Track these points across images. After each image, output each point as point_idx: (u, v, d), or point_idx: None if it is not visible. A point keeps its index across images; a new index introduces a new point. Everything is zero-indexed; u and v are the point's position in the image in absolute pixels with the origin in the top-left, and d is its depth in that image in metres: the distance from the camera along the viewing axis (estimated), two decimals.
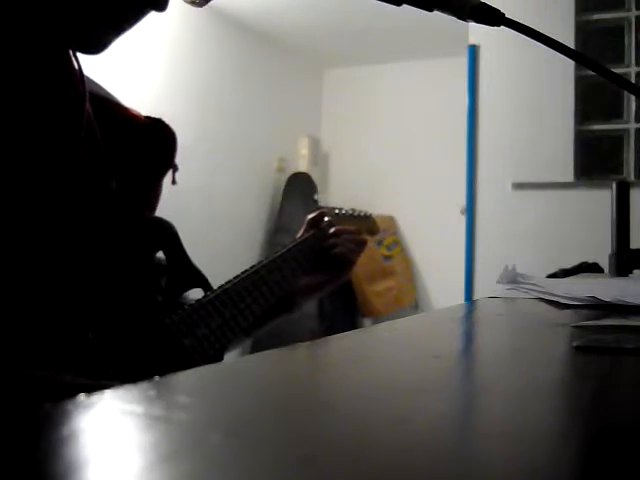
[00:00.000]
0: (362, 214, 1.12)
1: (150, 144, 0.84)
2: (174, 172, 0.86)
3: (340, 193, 5.04)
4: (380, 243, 4.58)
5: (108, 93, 0.84)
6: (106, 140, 0.77)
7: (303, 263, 0.96)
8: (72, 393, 0.60)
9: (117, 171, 0.77)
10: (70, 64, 0.74)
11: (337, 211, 1.08)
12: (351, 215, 1.11)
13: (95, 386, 0.60)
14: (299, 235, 1.01)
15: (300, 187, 4.67)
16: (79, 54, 0.74)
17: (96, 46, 0.72)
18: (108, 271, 0.71)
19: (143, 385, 0.29)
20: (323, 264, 1.00)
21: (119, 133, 0.80)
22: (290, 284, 0.93)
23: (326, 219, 1.04)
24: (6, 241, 0.63)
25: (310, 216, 1.04)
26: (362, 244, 1.05)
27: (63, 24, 0.70)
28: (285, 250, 0.94)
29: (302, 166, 4.81)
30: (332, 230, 1.02)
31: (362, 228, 1.08)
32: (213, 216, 4.02)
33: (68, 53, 0.73)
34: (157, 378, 0.31)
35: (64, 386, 0.59)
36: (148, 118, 0.86)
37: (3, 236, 0.62)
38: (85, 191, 0.70)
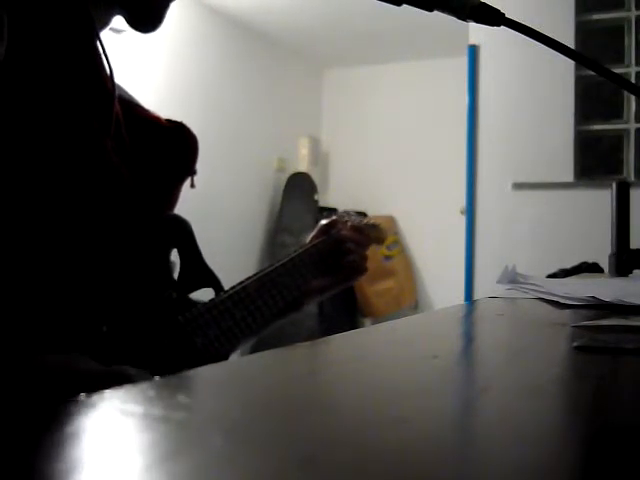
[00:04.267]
0: (370, 223, 1.12)
1: (171, 147, 0.85)
2: (193, 176, 0.87)
3: (340, 193, 5.04)
4: None
5: (129, 94, 0.85)
6: (131, 141, 0.78)
7: (313, 268, 0.96)
8: (84, 380, 0.60)
9: (140, 172, 0.77)
10: (100, 63, 0.75)
11: (346, 219, 1.08)
12: (361, 224, 1.11)
13: (107, 373, 0.61)
14: (309, 239, 1.01)
15: (300, 187, 4.67)
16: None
17: (155, 20, 0.77)
18: (124, 266, 0.72)
19: (143, 385, 0.29)
20: (333, 269, 1.00)
21: (142, 135, 0.81)
22: (300, 288, 0.93)
23: (338, 226, 1.04)
24: (24, 234, 0.63)
25: (323, 222, 1.04)
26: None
27: (91, 19, 0.71)
28: (296, 254, 0.94)
29: (302, 166, 4.81)
30: (343, 235, 1.03)
31: (371, 237, 1.08)
32: (213, 216, 4.02)
33: (98, 51, 0.74)
34: (157, 378, 0.31)
35: (77, 372, 0.60)
36: (169, 121, 0.86)
37: (21, 229, 0.63)
38: (111, 188, 0.71)
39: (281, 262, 0.91)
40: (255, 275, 0.87)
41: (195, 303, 0.79)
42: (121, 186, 0.72)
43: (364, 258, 1.02)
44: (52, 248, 0.65)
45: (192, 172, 0.87)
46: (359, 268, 1.02)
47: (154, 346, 0.71)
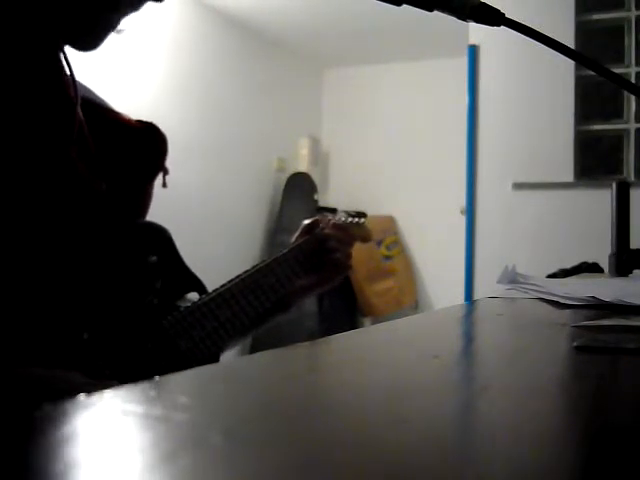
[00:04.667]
0: (355, 221, 1.12)
1: (141, 148, 0.85)
2: (164, 175, 0.87)
3: (340, 193, 5.04)
4: (380, 243, 4.58)
5: (99, 98, 0.85)
6: (97, 144, 0.77)
7: (297, 268, 0.97)
8: (67, 392, 0.60)
9: (108, 175, 0.77)
10: (61, 69, 0.74)
11: (330, 217, 1.09)
12: (345, 222, 1.11)
13: (90, 385, 0.61)
14: (294, 240, 1.02)
15: (300, 187, 4.67)
16: (72, 56, 0.75)
17: (90, 41, 0.73)
18: (102, 273, 0.72)
19: (143, 385, 0.29)
20: (317, 268, 1.01)
21: (110, 137, 0.81)
22: (285, 288, 0.94)
23: (321, 226, 1.04)
24: (0, 244, 0.63)
25: (306, 222, 1.05)
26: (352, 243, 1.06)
27: (56, 21, 0.70)
28: (280, 254, 0.95)
29: (302, 166, 4.81)
30: (326, 233, 1.03)
31: (355, 235, 1.08)
32: (213, 216, 4.02)
33: (59, 58, 0.74)
34: (157, 378, 0.31)
35: (59, 385, 0.59)
36: (140, 122, 0.86)
37: None
38: (77, 194, 0.71)
39: (265, 263, 0.92)
40: (239, 277, 0.87)
41: (178, 308, 0.79)
42: (87, 192, 0.72)
43: (348, 256, 1.03)
44: (24, 257, 0.65)
45: (163, 171, 0.86)
46: (343, 266, 1.02)
47: (137, 351, 0.71)
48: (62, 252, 0.67)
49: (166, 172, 0.87)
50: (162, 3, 0.76)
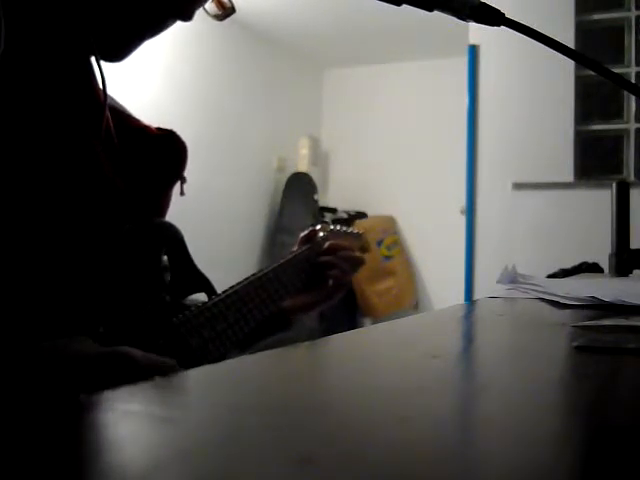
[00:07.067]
0: (354, 232, 1.13)
1: (162, 154, 0.86)
2: (182, 184, 0.88)
3: (340, 193, 5.04)
4: (380, 243, 4.58)
5: (120, 105, 0.87)
6: (121, 149, 0.79)
7: (301, 274, 0.98)
8: (83, 362, 0.60)
9: (130, 178, 0.78)
10: (93, 73, 0.76)
11: (332, 227, 1.10)
12: (344, 232, 1.12)
13: (108, 354, 0.61)
14: (295, 249, 1.03)
15: (300, 187, 4.67)
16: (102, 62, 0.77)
17: (117, 54, 0.75)
18: (118, 269, 0.72)
19: (143, 385, 0.29)
20: (318, 280, 1.02)
21: (132, 143, 0.82)
22: (289, 293, 0.95)
23: (321, 234, 1.05)
24: (19, 237, 0.63)
25: (303, 233, 1.06)
26: (359, 263, 1.06)
27: (87, 33, 0.72)
28: (284, 261, 0.96)
29: (302, 166, 4.81)
30: (327, 245, 1.04)
31: (354, 246, 1.09)
32: (213, 216, 4.02)
33: (91, 62, 0.75)
34: (157, 378, 0.31)
35: (75, 356, 0.60)
36: (159, 129, 0.87)
37: (16, 232, 0.63)
38: (99, 190, 0.72)
39: (269, 268, 0.93)
40: (246, 279, 0.88)
41: (188, 307, 0.79)
42: (108, 188, 0.73)
43: (347, 271, 1.03)
44: (42, 250, 0.65)
45: (181, 179, 0.88)
46: (342, 282, 1.03)
47: (149, 347, 0.72)
48: (79, 245, 0.68)
49: (184, 180, 0.88)
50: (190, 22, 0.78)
